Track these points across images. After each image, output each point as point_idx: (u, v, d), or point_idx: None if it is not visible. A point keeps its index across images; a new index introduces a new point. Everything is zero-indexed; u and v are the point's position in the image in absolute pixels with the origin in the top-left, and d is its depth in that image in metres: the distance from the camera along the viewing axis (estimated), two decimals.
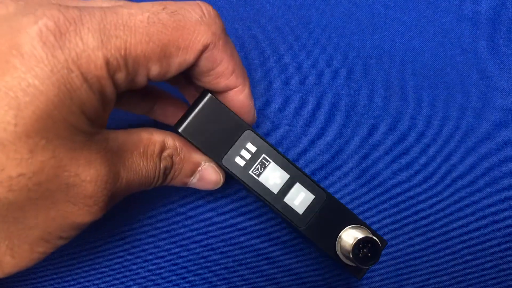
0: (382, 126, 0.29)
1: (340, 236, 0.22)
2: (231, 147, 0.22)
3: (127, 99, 0.24)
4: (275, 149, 0.22)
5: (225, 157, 0.22)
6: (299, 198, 0.22)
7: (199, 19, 0.18)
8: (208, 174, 0.23)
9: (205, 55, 0.19)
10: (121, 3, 0.18)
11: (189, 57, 0.19)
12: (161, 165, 0.21)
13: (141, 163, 0.20)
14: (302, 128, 0.29)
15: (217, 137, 0.22)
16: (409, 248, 0.28)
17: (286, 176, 0.22)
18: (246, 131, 0.22)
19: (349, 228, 0.22)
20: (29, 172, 0.15)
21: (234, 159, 0.22)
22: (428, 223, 0.28)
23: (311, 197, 0.22)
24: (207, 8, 0.19)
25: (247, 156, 0.22)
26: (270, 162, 0.22)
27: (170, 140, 0.21)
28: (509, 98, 0.30)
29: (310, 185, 0.22)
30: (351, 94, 0.30)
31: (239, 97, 0.22)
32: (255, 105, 0.29)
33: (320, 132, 0.29)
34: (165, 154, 0.21)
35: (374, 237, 0.21)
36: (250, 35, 0.31)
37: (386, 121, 0.29)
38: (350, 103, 0.30)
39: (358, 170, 0.29)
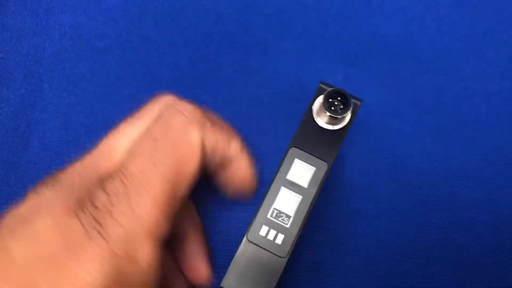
0: (379, 113, 0.29)
1: (317, 99, 0.22)
2: None
3: None
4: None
5: None
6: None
7: (183, 122, 0.20)
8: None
9: (206, 147, 0.21)
10: (128, 157, 0.20)
11: (194, 169, 0.20)
12: None
13: None
14: (298, 114, 0.28)
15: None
16: (405, 236, 0.28)
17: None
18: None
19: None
20: None
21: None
22: (423, 210, 0.28)
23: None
24: (185, 108, 0.21)
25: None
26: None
27: None
28: (506, 84, 0.30)
29: None
30: (349, 80, 0.29)
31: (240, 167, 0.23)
32: (253, 91, 0.29)
33: None
34: None
35: (343, 90, 0.21)
36: (244, 20, 0.30)
37: (383, 108, 0.29)
38: (347, 89, 0.29)
39: (354, 157, 0.28)
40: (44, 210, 0.17)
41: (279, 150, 0.28)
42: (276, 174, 0.22)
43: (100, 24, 0.29)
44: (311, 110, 0.22)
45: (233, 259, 0.21)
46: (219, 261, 0.27)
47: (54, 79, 0.28)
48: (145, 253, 0.18)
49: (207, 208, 0.27)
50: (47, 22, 0.29)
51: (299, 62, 0.29)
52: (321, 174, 0.22)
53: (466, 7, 0.31)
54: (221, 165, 0.23)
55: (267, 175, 0.27)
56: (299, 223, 0.21)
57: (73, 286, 0.16)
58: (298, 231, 0.21)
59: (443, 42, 0.30)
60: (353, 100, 0.22)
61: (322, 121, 0.22)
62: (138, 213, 0.18)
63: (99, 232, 0.17)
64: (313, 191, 0.22)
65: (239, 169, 0.23)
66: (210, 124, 0.21)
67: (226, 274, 0.21)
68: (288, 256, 0.21)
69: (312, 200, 0.22)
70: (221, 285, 0.21)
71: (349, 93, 0.22)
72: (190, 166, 0.20)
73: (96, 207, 0.17)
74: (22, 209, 0.18)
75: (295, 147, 0.22)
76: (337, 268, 0.27)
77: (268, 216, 0.21)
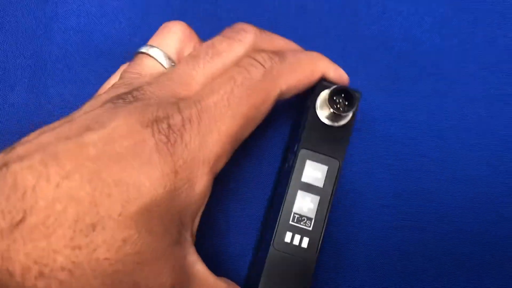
0: (381, 118, 0.29)
1: (319, 97, 0.23)
2: None
3: None
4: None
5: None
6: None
7: (262, 73, 0.21)
8: None
9: (284, 91, 0.22)
10: (206, 90, 0.20)
11: (268, 106, 0.22)
12: None
13: None
14: None
15: None
16: (408, 240, 0.28)
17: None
18: None
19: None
20: (113, 259, 0.17)
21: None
22: (425, 214, 0.28)
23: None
24: (260, 57, 0.22)
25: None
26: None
27: None
28: (507, 89, 0.30)
29: None
30: (349, 85, 0.29)
31: (331, 75, 0.24)
32: None
33: None
34: None
35: (346, 87, 0.22)
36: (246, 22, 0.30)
37: (384, 113, 0.29)
38: None
39: (356, 161, 0.28)
40: (121, 117, 0.18)
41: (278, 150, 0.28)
42: (290, 178, 0.22)
43: (104, 27, 0.30)
44: (315, 108, 0.23)
45: (264, 268, 0.22)
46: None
47: (59, 84, 0.29)
48: (202, 182, 0.19)
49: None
50: (51, 26, 0.29)
51: None
52: (335, 172, 0.22)
53: (467, 11, 0.31)
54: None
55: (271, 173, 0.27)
56: (321, 224, 0.22)
57: (133, 186, 0.17)
58: (322, 232, 0.22)
59: (444, 46, 0.30)
60: (355, 93, 0.22)
61: (326, 119, 0.22)
62: (205, 144, 0.19)
63: (168, 149, 0.18)
64: (329, 190, 0.22)
65: (330, 74, 0.24)
66: (287, 72, 0.22)
67: (260, 284, 0.22)
68: (316, 257, 0.22)
69: (330, 199, 0.22)
70: None
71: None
72: (261, 113, 0.21)
73: (169, 126, 0.18)
74: (99, 111, 0.19)
75: (305, 148, 0.22)
76: (338, 273, 0.27)
77: (290, 222, 0.22)
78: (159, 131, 0.18)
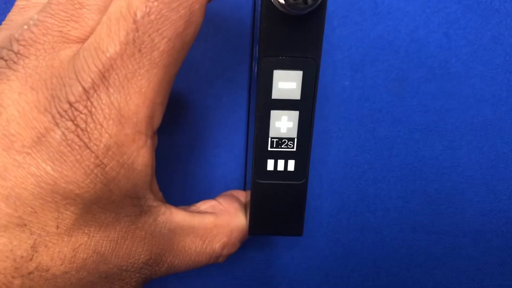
0: (387, 119, 0.29)
1: None
2: None
3: None
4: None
5: None
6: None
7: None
8: None
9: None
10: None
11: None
12: (221, 252, 0.20)
13: (194, 247, 0.19)
14: None
15: None
16: (414, 243, 0.27)
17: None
18: None
19: None
20: (72, 270, 0.16)
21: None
22: (433, 217, 0.28)
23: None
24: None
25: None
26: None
27: (239, 222, 0.20)
28: None
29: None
30: (355, 85, 0.29)
31: None
32: None
33: (324, 125, 0.28)
34: (232, 240, 0.20)
35: None
36: (250, 25, 0.30)
37: (391, 114, 0.29)
38: (354, 95, 0.29)
39: (362, 163, 0.28)
40: (10, 102, 0.14)
41: None
42: (258, 99, 0.18)
43: None
44: None
45: (250, 205, 0.19)
46: None
47: None
48: (140, 156, 0.16)
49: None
50: None
51: None
52: (312, 75, 0.17)
53: (474, 12, 0.31)
54: None
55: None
56: (307, 140, 0.18)
57: (61, 198, 0.15)
58: (308, 149, 0.18)
59: (451, 47, 0.30)
60: None
61: (287, 7, 0.16)
62: (124, 113, 0.15)
63: (81, 140, 0.14)
64: (310, 99, 0.18)
65: None
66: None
67: (249, 222, 0.19)
68: (307, 178, 0.19)
69: (312, 110, 0.18)
70: (249, 233, 0.20)
71: None
72: (189, 36, 0.15)
73: (72, 106, 0.14)
74: None
75: (268, 56, 0.17)
76: (343, 278, 0.27)
77: (269, 148, 0.18)
78: (61, 116, 0.14)
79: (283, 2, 0.16)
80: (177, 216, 0.19)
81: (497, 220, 0.28)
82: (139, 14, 0.14)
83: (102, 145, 0.15)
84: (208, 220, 0.20)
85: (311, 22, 0.17)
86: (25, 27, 0.15)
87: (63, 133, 0.14)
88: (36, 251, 0.15)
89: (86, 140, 0.14)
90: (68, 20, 0.15)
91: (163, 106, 0.16)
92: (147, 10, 0.14)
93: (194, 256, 0.19)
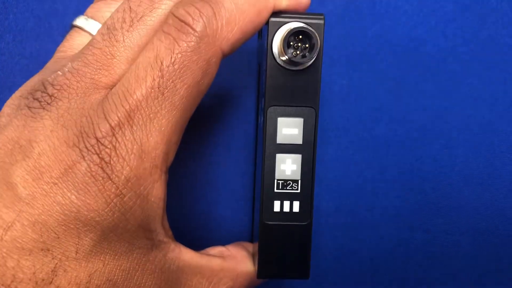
0: (384, 118, 0.29)
1: (275, 40, 0.19)
2: None
3: None
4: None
5: None
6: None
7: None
8: None
9: (226, 51, 0.18)
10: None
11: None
12: None
13: (202, 286, 0.20)
14: None
15: None
16: (412, 241, 0.28)
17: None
18: None
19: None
20: None
21: None
22: (430, 215, 0.28)
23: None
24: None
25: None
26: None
27: (246, 268, 0.21)
28: (511, 89, 0.30)
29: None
30: (353, 84, 0.29)
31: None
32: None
33: (322, 124, 0.28)
34: (237, 285, 0.21)
35: (301, 27, 0.18)
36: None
37: (388, 113, 0.29)
38: (351, 94, 0.29)
39: (360, 162, 0.28)
40: (42, 139, 0.16)
41: None
42: (265, 143, 0.20)
43: None
44: (272, 53, 0.19)
45: (259, 247, 0.20)
46: None
47: None
48: (154, 190, 0.17)
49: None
50: (50, 24, 0.29)
51: None
52: (312, 121, 0.20)
53: (471, 11, 0.31)
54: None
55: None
56: (309, 182, 0.20)
57: (83, 225, 0.16)
58: (311, 190, 0.20)
59: (448, 47, 0.30)
60: (315, 21, 0.19)
61: (288, 64, 0.19)
62: (146, 149, 0.17)
63: (103, 170, 0.16)
64: (310, 144, 0.20)
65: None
66: (227, 25, 0.17)
67: (258, 266, 0.20)
68: (311, 219, 0.20)
69: (313, 153, 0.20)
70: (258, 277, 0.20)
71: (307, 16, 0.19)
72: (204, 85, 0.18)
73: (99, 141, 0.16)
74: (17, 124, 0.17)
75: (272, 105, 0.19)
76: (341, 276, 0.27)
77: (275, 190, 0.20)
78: (88, 150, 0.16)
79: (285, 58, 0.19)
80: (186, 254, 0.20)
81: (494, 218, 0.28)
82: (165, 64, 0.16)
83: (123, 177, 0.16)
84: (215, 262, 0.20)
85: (308, 76, 0.19)
86: (60, 73, 0.18)
87: (89, 165, 0.16)
88: (56, 275, 0.16)
89: (109, 172, 0.16)
90: (100, 69, 0.18)
91: (177, 146, 0.18)
92: (172, 60, 0.16)
93: None
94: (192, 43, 0.17)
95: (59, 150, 0.16)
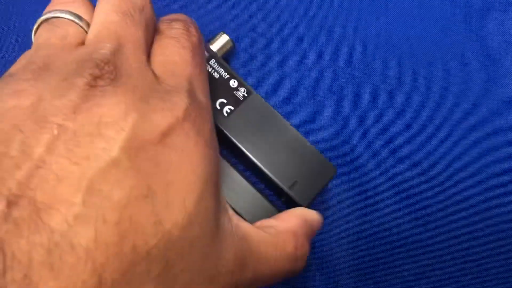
0: (384, 115, 0.29)
1: None
2: None
3: None
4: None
5: None
6: None
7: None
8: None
9: None
10: None
11: None
12: (296, 253, 0.20)
13: (269, 254, 0.19)
14: (303, 118, 0.29)
15: None
16: (412, 237, 0.28)
17: None
18: None
19: None
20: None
21: None
22: (429, 212, 0.28)
23: None
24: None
25: None
26: None
27: (295, 222, 0.21)
28: (509, 86, 0.30)
29: None
30: (352, 82, 0.29)
31: None
32: (257, 93, 0.29)
33: (322, 122, 0.29)
34: (300, 242, 0.21)
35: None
36: (249, 22, 0.30)
37: (387, 110, 0.29)
38: (351, 92, 0.29)
39: (360, 159, 0.28)
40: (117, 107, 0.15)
41: None
42: None
43: None
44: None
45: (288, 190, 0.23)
46: None
47: None
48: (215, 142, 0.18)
49: None
50: None
51: (302, 64, 0.29)
52: None
53: (469, 8, 0.31)
54: None
55: None
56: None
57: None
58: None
59: (446, 44, 0.30)
60: None
61: None
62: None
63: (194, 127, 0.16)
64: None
65: None
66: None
67: (297, 198, 0.24)
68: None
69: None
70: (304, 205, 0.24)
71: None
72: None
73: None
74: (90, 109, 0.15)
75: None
76: (340, 271, 0.27)
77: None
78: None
79: None
80: (244, 224, 0.19)
81: (493, 214, 0.28)
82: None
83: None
84: (270, 231, 0.20)
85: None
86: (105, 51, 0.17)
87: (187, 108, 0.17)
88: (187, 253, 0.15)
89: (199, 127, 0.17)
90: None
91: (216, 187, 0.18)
92: None
93: (273, 262, 0.19)
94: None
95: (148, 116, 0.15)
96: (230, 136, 0.24)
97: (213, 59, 0.25)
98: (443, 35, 0.30)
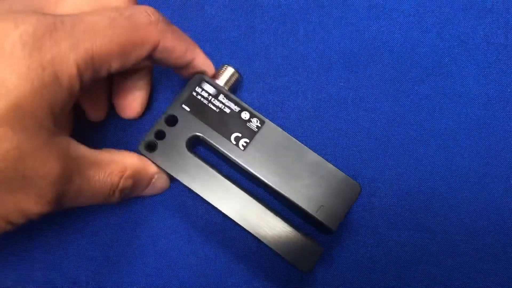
0: (382, 119, 0.29)
1: None
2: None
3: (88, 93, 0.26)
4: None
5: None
6: None
7: (148, 21, 0.22)
8: (159, 183, 0.26)
9: (159, 48, 0.23)
10: (87, 11, 0.21)
11: (143, 52, 0.22)
12: (120, 185, 0.23)
13: (97, 176, 0.22)
14: (301, 121, 0.29)
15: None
16: (410, 241, 0.28)
17: None
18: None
19: None
20: None
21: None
22: (427, 216, 0.28)
23: None
24: (151, 11, 0.22)
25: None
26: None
27: (131, 161, 0.24)
28: (506, 89, 0.30)
29: None
30: (350, 86, 0.29)
31: (199, 61, 0.25)
32: (255, 98, 0.29)
33: (320, 125, 0.29)
34: (126, 175, 0.23)
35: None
36: (247, 26, 0.30)
37: (385, 114, 0.29)
38: (349, 96, 0.29)
39: (358, 163, 0.28)
40: None
41: None
42: None
43: None
44: None
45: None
46: None
47: None
48: (69, 79, 0.19)
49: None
50: None
51: (301, 67, 0.29)
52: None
53: (466, 12, 0.31)
54: (177, 66, 0.25)
55: None
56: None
57: None
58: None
59: (444, 47, 0.30)
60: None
61: None
62: (76, 48, 0.19)
63: (34, 42, 0.18)
64: None
65: (200, 60, 0.25)
66: (168, 33, 0.23)
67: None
68: None
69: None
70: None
71: None
72: (136, 52, 0.22)
73: (39, 21, 0.18)
74: None
75: None
76: (338, 275, 0.27)
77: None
78: (24, 22, 0.18)
79: None
80: (83, 148, 0.22)
81: (490, 217, 0.28)
82: (125, 14, 0.21)
83: (49, 54, 0.18)
84: (106, 156, 0.23)
85: None
86: None
87: (21, 34, 0.18)
88: None
89: (39, 44, 0.18)
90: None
91: (94, 74, 0.21)
92: None
93: (97, 185, 0.22)
94: (146, 20, 0.22)
95: None
96: (251, 170, 0.24)
97: (221, 95, 0.25)
98: (440, 39, 0.30)
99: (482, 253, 0.28)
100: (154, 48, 0.23)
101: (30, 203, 0.19)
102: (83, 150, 0.21)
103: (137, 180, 0.24)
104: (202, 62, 0.25)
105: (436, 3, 0.31)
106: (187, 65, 0.25)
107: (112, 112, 0.27)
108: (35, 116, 0.18)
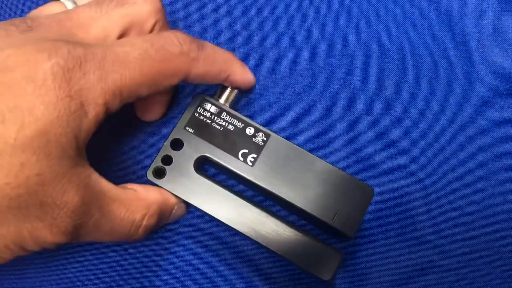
0: (377, 121, 0.29)
1: None
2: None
3: None
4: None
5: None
6: None
7: (178, 51, 0.22)
8: (178, 212, 0.26)
9: (191, 76, 0.23)
10: (119, 41, 0.22)
11: (173, 81, 0.22)
12: (144, 222, 0.23)
13: (118, 212, 0.22)
14: (296, 124, 0.29)
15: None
16: (405, 243, 0.28)
17: None
18: None
19: None
20: (14, 183, 0.17)
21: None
22: (423, 217, 0.28)
23: None
24: (182, 38, 0.22)
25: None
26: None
27: (154, 196, 0.23)
28: (502, 91, 0.30)
29: None
30: (346, 88, 0.29)
31: (234, 78, 0.25)
32: (250, 99, 0.29)
33: (315, 128, 0.29)
34: (151, 212, 0.23)
35: None
36: (242, 28, 0.30)
37: (381, 116, 0.29)
38: (345, 98, 0.29)
39: (354, 165, 0.28)
40: (14, 45, 0.18)
41: None
42: None
43: None
44: None
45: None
46: None
47: None
48: (95, 110, 0.19)
49: None
50: None
51: (296, 69, 0.29)
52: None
53: (462, 14, 0.31)
54: (212, 84, 0.25)
55: None
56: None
57: (27, 110, 0.17)
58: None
59: (440, 49, 0.30)
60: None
61: None
62: (105, 79, 0.19)
63: (64, 73, 0.18)
64: None
65: (236, 76, 0.25)
66: (201, 61, 0.23)
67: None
68: None
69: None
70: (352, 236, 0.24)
71: None
72: (166, 83, 0.22)
73: (69, 52, 0.19)
74: None
75: None
76: (337, 278, 0.27)
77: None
78: (57, 54, 0.18)
79: None
80: (104, 182, 0.21)
81: (486, 219, 0.28)
82: (157, 45, 0.22)
83: (77, 85, 0.19)
84: (129, 193, 0.23)
85: None
86: (42, 17, 0.22)
87: (52, 65, 0.18)
88: None
89: (68, 76, 0.19)
90: (79, 26, 0.22)
91: (122, 102, 0.21)
92: None
93: (118, 222, 0.22)
94: (177, 51, 0.22)
95: (28, 54, 0.18)
96: (262, 185, 0.24)
97: (224, 113, 0.25)
98: (436, 41, 0.30)
99: (477, 255, 0.28)
100: (185, 77, 0.23)
101: (46, 232, 0.19)
102: (105, 184, 0.21)
103: (160, 215, 0.24)
104: (238, 78, 0.25)
105: (432, 5, 0.31)
106: (223, 81, 0.25)
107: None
108: (59, 144, 0.18)
